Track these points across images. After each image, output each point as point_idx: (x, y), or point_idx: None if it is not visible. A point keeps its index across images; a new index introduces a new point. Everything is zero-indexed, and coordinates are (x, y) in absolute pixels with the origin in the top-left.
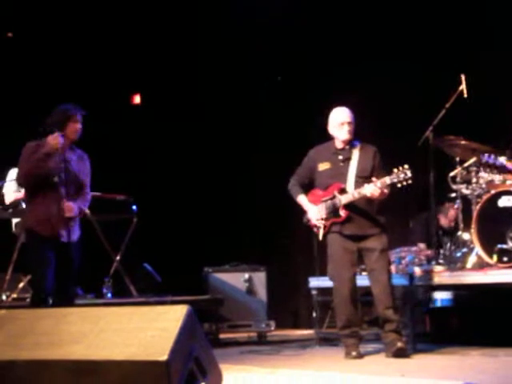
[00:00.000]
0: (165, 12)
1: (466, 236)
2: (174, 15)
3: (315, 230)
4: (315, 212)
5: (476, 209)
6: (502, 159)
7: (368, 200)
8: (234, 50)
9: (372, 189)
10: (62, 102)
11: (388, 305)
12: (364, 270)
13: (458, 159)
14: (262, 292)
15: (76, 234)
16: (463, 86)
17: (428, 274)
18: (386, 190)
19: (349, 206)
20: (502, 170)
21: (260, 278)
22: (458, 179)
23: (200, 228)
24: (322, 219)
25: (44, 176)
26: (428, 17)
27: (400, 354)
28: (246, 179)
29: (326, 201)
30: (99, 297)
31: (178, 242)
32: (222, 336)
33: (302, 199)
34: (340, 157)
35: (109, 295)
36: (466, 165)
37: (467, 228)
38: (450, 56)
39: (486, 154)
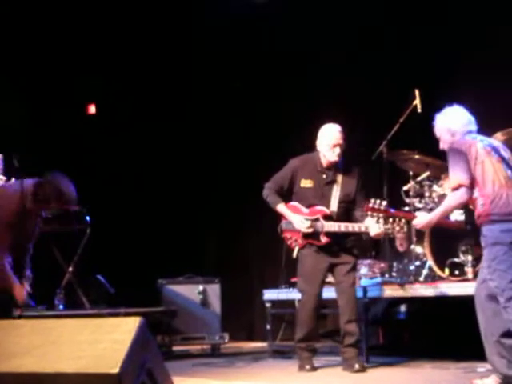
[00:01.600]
0: (120, 21)
1: (418, 249)
2: (129, 25)
3: (289, 242)
4: (302, 220)
5: None
6: (385, 203)
7: None
8: (190, 57)
9: (378, 232)
10: (16, 114)
11: (351, 318)
12: (328, 283)
13: (411, 173)
14: (216, 304)
15: None
16: (417, 101)
17: (381, 286)
18: None
19: (330, 233)
20: (386, 213)
21: (214, 290)
22: (411, 193)
23: (154, 239)
24: (301, 236)
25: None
26: (384, 31)
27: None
28: (199, 191)
29: (307, 220)
30: (51, 308)
31: (132, 254)
32: (175, 348)
33: (283, 208)
34: (324, 176)
35: (61, 307)
36: (419, 179)
37: (420, 242)
38: (404, 70)
39: (372, 200)
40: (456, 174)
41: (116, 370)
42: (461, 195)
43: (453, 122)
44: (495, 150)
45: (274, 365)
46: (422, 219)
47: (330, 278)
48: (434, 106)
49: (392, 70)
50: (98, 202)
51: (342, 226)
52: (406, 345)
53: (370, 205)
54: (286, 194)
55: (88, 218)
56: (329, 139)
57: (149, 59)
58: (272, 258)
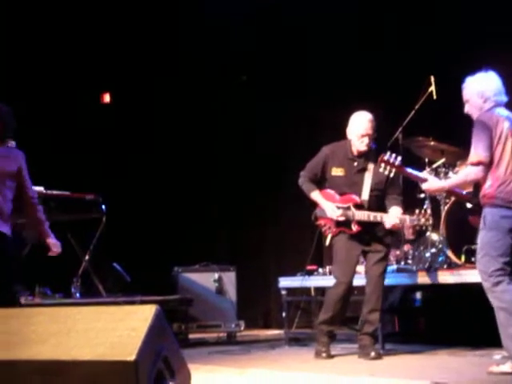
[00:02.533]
0: (132, 12)
1: (434, 236)
2: (141, 15)
3: (323, 229)
4: (333, 209)
5: (444, 210)
6: (400, 159)
7: None
8: (201, 47)
9: (393, 222)
10: (31, 103)
11: (375, 308)
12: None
13: (426, 160)
14: (231, 292)
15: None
16: (432, 88)
17: (398, 273)
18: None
19: (361, 222)
20: (399, 169)
21: (230, 278)
22: None
23: (169, 227)
24: (334, 223)
25: None
26: (398, 17)
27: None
28: (215, 178)
29: (339, 208)
30: (68, 297)
31: (148, 242)
32: (191, 336)
33: (317, 196)
34: (355, 164)
35: (77, 295)
36: (434, 166)
37: (436, 229)
38: (419, 57)
39: (388, 153)
40: (478, 150)
41: (132, 357)
42: (477, 172)
43: (488, 88)
44: None
45: (290, 352)
46: (433, 184)
47: (360, 268)
48: (449, 92)
49: (407, 57)
50: (113, 190)
51: (371, 215)
52: (422, 332)
53: (386, 157)
54: (321, 181)
55: (104, 206)
56: (358, 129)
57: (163, 49)
58: (288, 245)
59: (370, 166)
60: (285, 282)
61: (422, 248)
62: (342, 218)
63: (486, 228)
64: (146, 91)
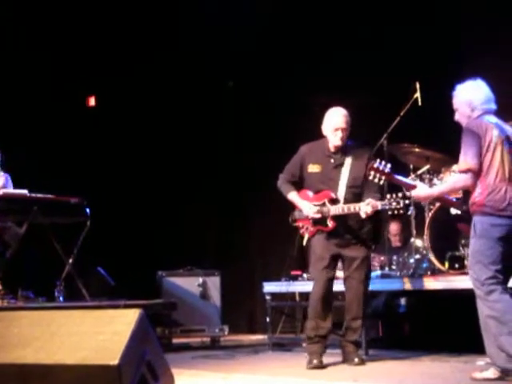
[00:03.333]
0: (119, 15)
1: (418, 243)
2: (129, 19)
3: (301, 231)
4: (310, 206)
5: (429, 216)
6: (389, 166)
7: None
8: (189, 52)
9: (364, 210)
10: (16, 106)
11: (357, 315)
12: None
13: (411, 166)
14: (216, 296)
15: None
16: (418, 94)
17: (382, 279)
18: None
19: (337, 217)
20: (388, 176)
21: (214, 283)
22: None
23: (154, 231)
24: (311, 223)
25: None
26: (383, 24)
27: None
28: (200, 182)
29: (315, 206)
30: (51, 300)
31: (132, 246)
32: (174, 340)
33: (294, 196)
34: (332, 161)
35: (61, 299)
36: (419, 172)
37: (420, 235)
38: (404, 63)
39: (378, 160)
40: (467, 158)
41: (116, 361)
42: (466, 179)
43: (475, 97)
44: (508, 139)
45: (273, 357)
46: (421, 191)
47: (340, 273)
48: (434, 99)
49: (393, 63)
50: (97, 194)
51: (345, 207)
52: (406, 338)
53: (375, 165)
54: (300, 181)
55: (88, 210)
56: (331, 123)
57: (148, 52)
58: (272, 250)
59: (347, 162)
60: (269, 287)
61: (406, 254)
62: (317, 216)
63: (476, 236)
64: (131, 95)
